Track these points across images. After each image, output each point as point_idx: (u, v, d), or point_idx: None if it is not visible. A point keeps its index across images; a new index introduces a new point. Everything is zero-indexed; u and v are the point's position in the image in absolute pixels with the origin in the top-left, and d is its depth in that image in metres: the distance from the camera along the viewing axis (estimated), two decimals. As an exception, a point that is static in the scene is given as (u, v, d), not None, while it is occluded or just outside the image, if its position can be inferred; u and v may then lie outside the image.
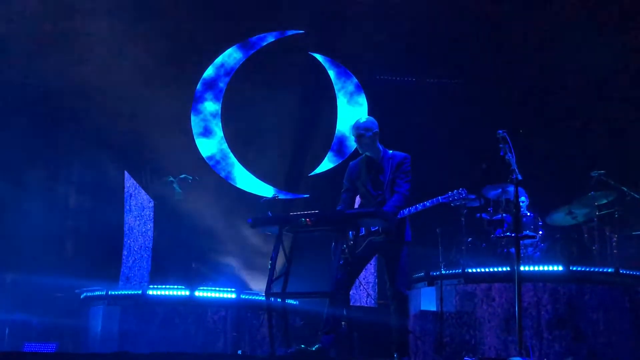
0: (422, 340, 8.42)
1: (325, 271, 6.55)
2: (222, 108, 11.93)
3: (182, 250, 10.23)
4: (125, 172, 9.38)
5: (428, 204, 6.82)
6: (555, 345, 7.74)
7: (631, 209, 9.46)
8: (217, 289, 9.21)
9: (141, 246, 9.18)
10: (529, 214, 9.42)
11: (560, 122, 11.07)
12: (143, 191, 9.35)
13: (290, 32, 12.03)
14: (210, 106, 11.91)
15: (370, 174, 6.96)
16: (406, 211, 6.75)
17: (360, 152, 7.05)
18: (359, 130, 6.95)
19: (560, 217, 9.78)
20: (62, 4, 10.59)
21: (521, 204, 9.52)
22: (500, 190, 9.41)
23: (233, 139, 11.91)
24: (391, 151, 7.01)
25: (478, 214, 9.52)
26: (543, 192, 9.92)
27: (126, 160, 10.50)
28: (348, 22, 11.45)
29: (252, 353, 8.80)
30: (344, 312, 6.23)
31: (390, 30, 11.26)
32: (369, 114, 11.37)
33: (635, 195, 9.42)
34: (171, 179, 9.99)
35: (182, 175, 9.99)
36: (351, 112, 11.97)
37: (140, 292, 8.94)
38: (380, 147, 7.00)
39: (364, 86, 12.09)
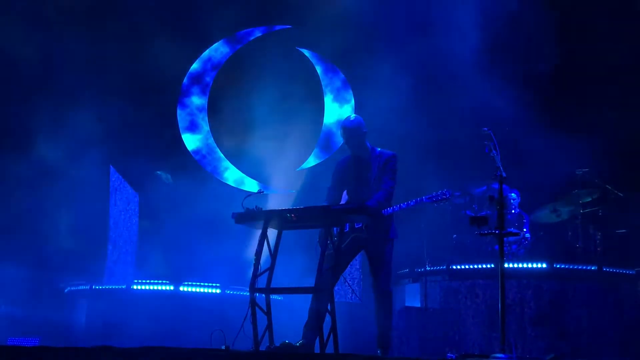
0: (406, 336, 8.44)
1: (310, 267, 6.55)
2: (209, 102, 11.88)
3: (167, 244, 10.19)
4: (111, 166, 9.33)
5: (412, 204, 6.80)
6: (538, 342, 7.78)
7: (615, 208, 9.50)
8: (202, 284, 9.20)
9: (126, 240, 9.14)
10: (513, 211, 9.44)
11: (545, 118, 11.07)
12: (128, 185, 9.31)
13: (278, 27, 11.99)
14: (197, 100, 11.87)
15: (358, 172, 6.97)
16: (390, 209, 6.75)
17: (348, 150, 7.06)
18: (349, 132, 6.94)
19: (544, 215, 9.82)
20: None
21: (512, 201, 9.55)
22: (485, 187, 9.44)
23: (219, 134, 11.87)
24: (379, 149, 7.00)
25: (463, 211, 9.55)
26: (528, 189, 9.94)
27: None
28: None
29: (236, 348, 8.77)
30: (328, 308, 6.23)
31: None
32: (355, 111, 11.40)
33: (619, 194, 9.47)
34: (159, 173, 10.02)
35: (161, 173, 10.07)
36: (338, 108, 11.95)
37: (124, 286, 8.91)
38: (368, 145, 7.01)
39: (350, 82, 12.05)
